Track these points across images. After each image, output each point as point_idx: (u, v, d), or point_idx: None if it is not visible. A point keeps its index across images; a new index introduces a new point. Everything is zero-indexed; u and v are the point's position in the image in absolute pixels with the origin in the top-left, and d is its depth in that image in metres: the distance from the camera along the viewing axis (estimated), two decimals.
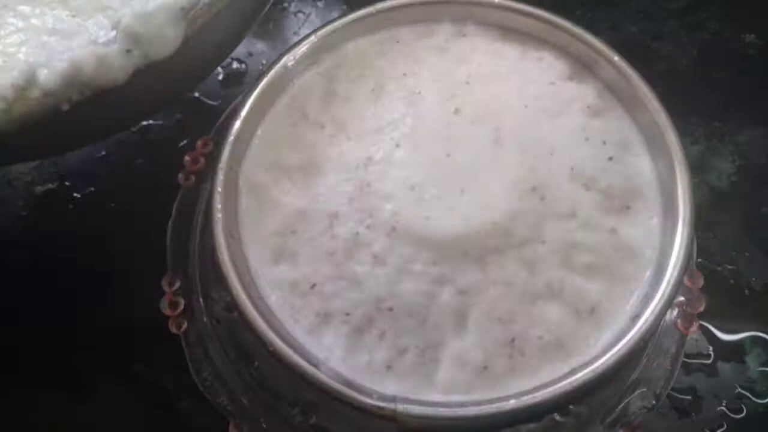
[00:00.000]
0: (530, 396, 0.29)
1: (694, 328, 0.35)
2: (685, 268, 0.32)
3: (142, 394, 0.42)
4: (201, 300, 0.37)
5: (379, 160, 0.35)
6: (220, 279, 0.32)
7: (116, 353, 0.42)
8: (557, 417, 0.34)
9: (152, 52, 0.32)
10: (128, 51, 0.32)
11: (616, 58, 0.37)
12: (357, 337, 0.32)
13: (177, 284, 0.36)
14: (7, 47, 0.33)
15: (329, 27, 0.38)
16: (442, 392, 0.31)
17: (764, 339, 0.43)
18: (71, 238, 0.47)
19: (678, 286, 0.32)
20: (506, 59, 0.39)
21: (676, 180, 0.34)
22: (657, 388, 0.35)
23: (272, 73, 0.37)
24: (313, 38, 0.38)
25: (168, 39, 0.32)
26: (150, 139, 0.51)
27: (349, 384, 0.30)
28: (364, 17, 0.39)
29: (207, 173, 0.37)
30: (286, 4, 0.58)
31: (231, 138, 0.35)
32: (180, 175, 0.39)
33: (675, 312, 0.36)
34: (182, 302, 0.36)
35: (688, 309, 0.35)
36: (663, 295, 0.31)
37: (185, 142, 0.48)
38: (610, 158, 0.35)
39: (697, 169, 0.47)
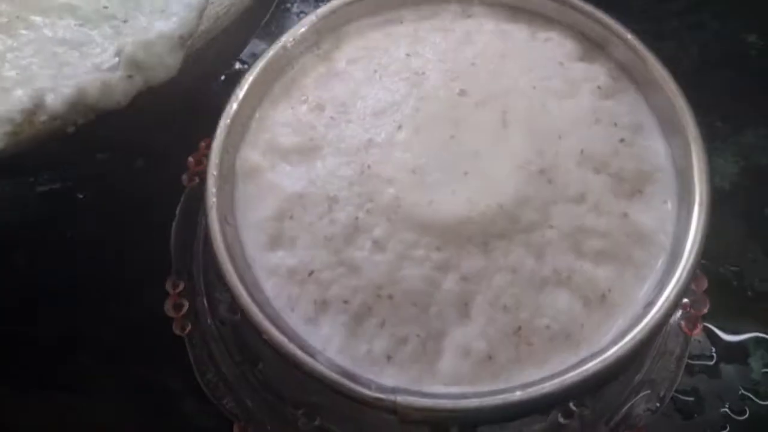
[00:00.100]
0: (537, 387, 0.28)
1: (699, 329, 0.35)
2: (701, 254, 0.31)
3: (146, 396, 0.42)
4: (205, 302, 0.36)
5: (380, 143, 0.34)
6: (216, 268, 0.31)
7: (120, 355, 0.42)
8: (561, 419, 0.33)
9: (152, 77, 0.34)
10: (130, 77, 0.34)
11: (630, 36, 0.36)
12: (356, 326, 0.31)
13: (181, 286, 0.36)
14: (19, 59, 0.35)
15: (329, 6, 0.38)
16: (444, 383, 0.30)
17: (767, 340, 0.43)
18: (73, 239, 0.46)
19: (694, 272, 0.31)
20: (513, 39, 0.38)
21: (692, 162, 0.33)
22: (661, 390, 0.34)
23: (271, 54, 0.37)
24: (313, 18, 0.37)
25: (167, 65, 0.35)
26: (152, 139, 0.50)
27: (348, 375, 0.29)
28: None
29: None
30: (288, 5, 0.59)
31: (227, 120, 0.34)
32: (184, 176, 0.39)
33: (679, 313, 0.35)
34: (186, 304, 0.36)
35: (692, 311, 0.35)
36: (678, 281, 0.30)
37: (188, 143, 0.48)
38: (622, 140, 0.34)
39: None
